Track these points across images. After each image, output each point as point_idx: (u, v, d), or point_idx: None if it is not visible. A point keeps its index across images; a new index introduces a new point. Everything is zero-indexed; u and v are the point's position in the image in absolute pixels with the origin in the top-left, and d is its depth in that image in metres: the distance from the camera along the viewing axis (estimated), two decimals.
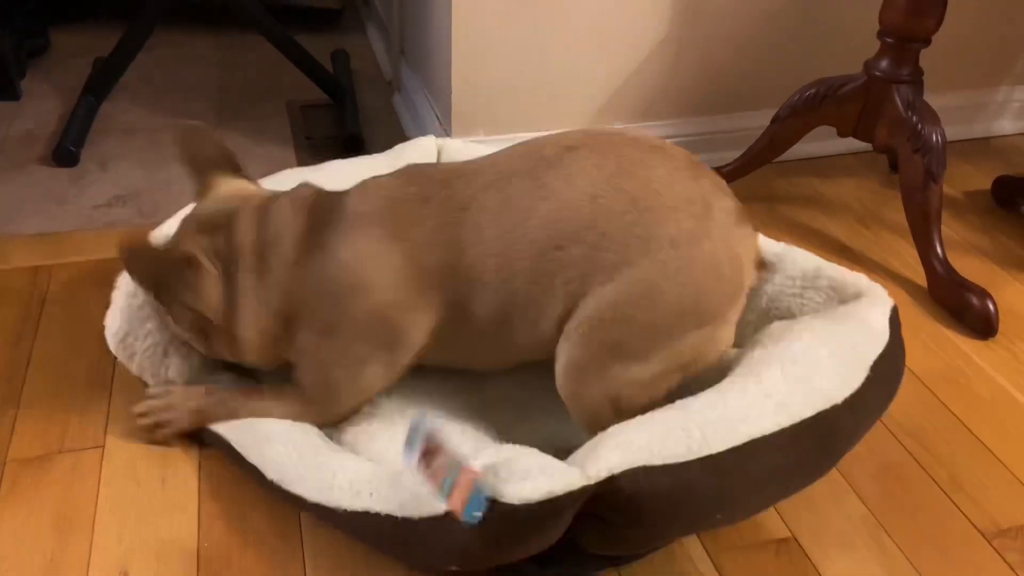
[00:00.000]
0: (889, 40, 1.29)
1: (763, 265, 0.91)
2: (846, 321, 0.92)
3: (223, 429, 0.92)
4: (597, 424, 0.82)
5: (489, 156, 0.92)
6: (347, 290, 0.87)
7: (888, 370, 0.88)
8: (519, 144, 0.92)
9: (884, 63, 1.30)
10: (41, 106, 1.74)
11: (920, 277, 1.31)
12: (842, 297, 1.00)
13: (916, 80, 1.31)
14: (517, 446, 0.76)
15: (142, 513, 0.90)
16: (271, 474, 0.86)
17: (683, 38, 1.49)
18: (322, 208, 0.91)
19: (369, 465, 0.85)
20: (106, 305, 1.19)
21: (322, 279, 0.87)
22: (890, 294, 1.28)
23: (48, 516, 0.89)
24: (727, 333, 0.88)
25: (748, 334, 1.05)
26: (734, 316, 0.88)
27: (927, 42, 1.28)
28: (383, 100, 1.86)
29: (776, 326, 0.95)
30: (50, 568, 0.84)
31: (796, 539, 0.89)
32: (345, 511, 0.80)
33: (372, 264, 0.86)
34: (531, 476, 0.69)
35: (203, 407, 0.94)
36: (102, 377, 1.07)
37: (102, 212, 1.42)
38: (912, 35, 1.27)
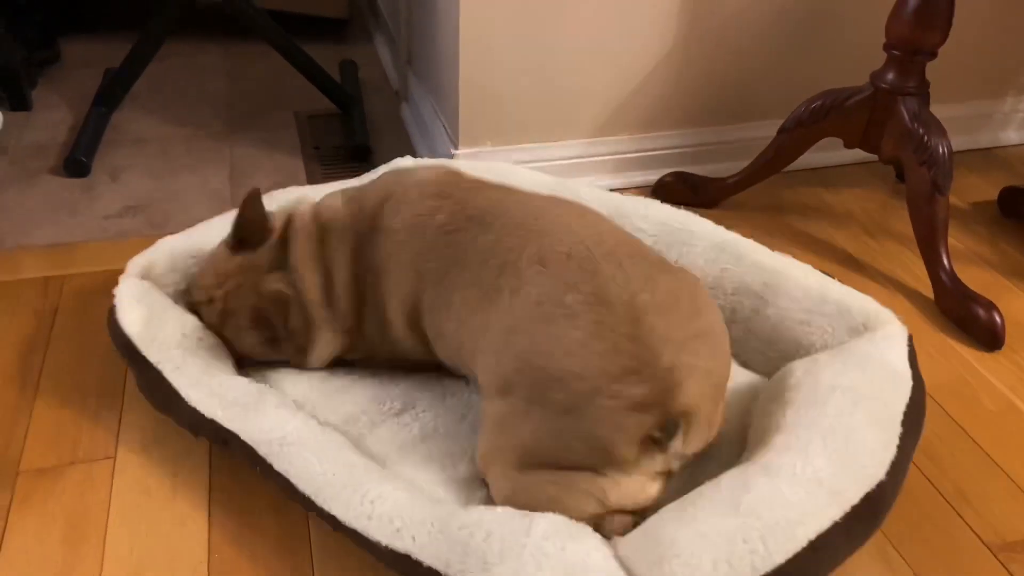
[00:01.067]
0: (895, 52, 1.29)
1: (655, 442, 0.81)
2: (868, 366, 0.91)
3: (246, 434, 0.89)
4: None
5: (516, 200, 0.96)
6: None
7: (915, 416, 0.88)
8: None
9: (890, 75, 1.31)
10: (52, 117, 1.76)
11: (926, 288, 1.31)
12: (850, 324, 0.99)
13: (922, 92, 1.31)
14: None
15: (153, 524, 0.90)
16: (303, 486, 0.84)
17: (689, 49, 1.50)
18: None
19: (407, 496, 0.81)
20: None
21: None
22: (896, 304, 1.30)
23: (59, 527, 0.90)
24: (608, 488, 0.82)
25: (759, 363, 1.06)
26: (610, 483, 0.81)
27: (933, 54, 1.29)
28: (391, 110, 1.87)
29: (797, 370, 0.94)
30: None
31: None
32: (385, 548, 0.77)
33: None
34: None
35: None
36: (113, 388, 1.08)
37: (113, 222, 1.43)
38: (918, 47, 1.28)
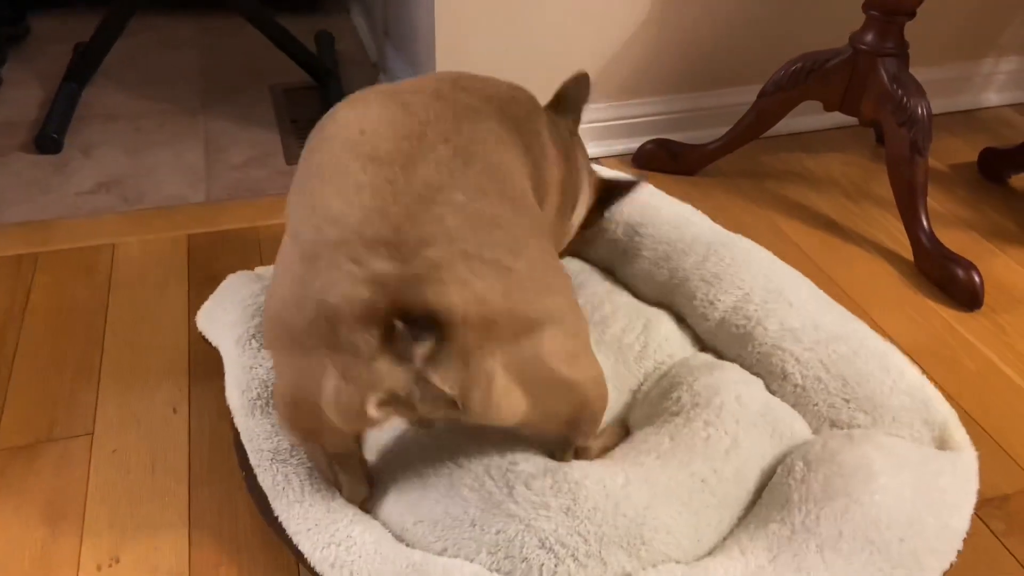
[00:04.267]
0: (874, 13, 1.29)
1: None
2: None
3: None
4: None
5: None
6: None
7: None
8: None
9: (869, 36, 1.30)
10: (22, 93, 1.73)
11: (906, 250, 1.32)
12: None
13: (901, 53, 1.30)
14: None
15: (132, 500, 0.90)
16: (279, 509, 0.81)
17: (668, 15, 1.48)
18: None
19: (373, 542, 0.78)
20: (93, 292, 1.19)
21: None
22: (877, 267, 1.30)
23: (38, 505, 0.89)
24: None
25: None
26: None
27: (912, 15, 1.28)
28: (369, 81, 1.85)
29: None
30: (42, 556, 0.84)
31: None
32: None
33: None
34: None
35: None
36: (90, 364, 1.06)
37: (86, 199, 1.41)
38: (897, 8, 1.27)
